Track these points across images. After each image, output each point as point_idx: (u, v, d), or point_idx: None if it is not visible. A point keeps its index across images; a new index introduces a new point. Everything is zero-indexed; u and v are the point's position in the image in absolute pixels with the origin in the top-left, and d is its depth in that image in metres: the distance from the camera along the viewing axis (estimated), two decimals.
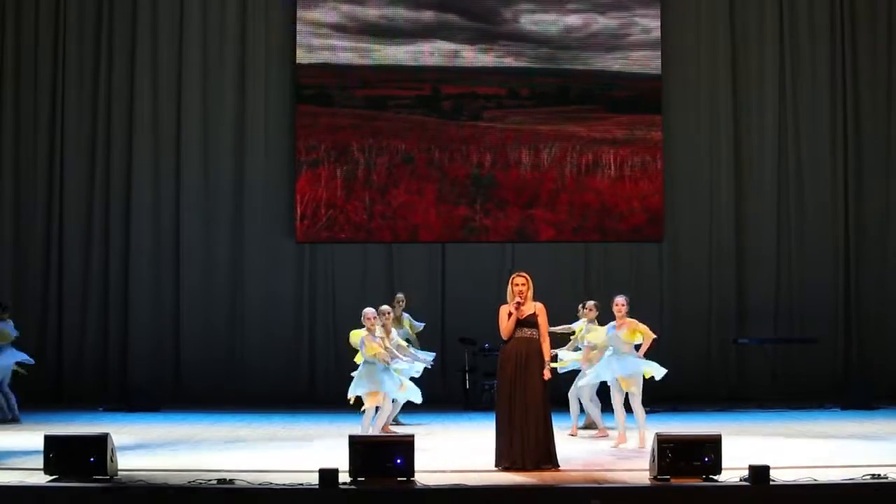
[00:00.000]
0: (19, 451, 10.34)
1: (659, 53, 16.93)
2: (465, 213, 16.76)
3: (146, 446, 11.09)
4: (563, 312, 15.28)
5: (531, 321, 9.56)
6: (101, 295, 16.53)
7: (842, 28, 17.04)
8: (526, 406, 9.39)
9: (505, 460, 9.37)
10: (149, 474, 8.95)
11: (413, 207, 16.78)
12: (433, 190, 16.79)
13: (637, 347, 11.50)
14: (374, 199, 16.75)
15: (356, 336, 11.26)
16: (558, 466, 9.37)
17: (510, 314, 9.55)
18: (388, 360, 11.31)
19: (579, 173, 16.91)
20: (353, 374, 11.30)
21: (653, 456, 8.51)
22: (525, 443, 9.33)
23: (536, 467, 9.26)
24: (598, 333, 12.00)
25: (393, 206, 16.76)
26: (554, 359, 12.07)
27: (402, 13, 16.95)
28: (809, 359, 16.48)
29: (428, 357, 12.83)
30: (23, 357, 13.88)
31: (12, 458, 9.91)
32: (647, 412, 12.19)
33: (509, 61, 16.93)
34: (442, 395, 15.69)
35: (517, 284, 9.59)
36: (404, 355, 12.05)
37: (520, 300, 9.52)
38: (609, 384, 11.55)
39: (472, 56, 16.92)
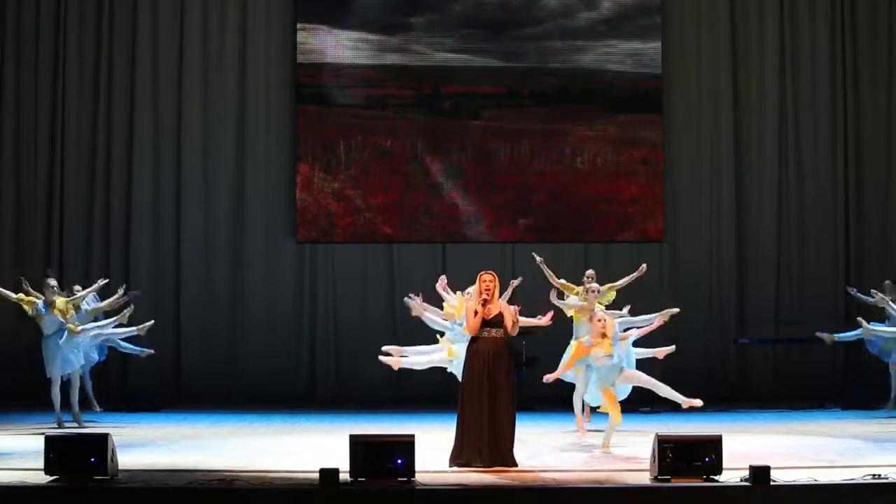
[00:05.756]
0: (19, 451, 10.34)
1: (659, 53, 16.93)
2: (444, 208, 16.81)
3: (146, 446, 11.08)
4: (562, 313, 15.24)
5: (497, 321, 9.60)
6: (101, 295, 16.49)
7: (842, 28, 17.04)
8: (496, 408, 9.43)
9: (466, 458, 9.39)
10: (149, 474, 8.94)
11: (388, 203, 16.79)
12: (409, 182, 16.79)
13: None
14: (369, 197, 16.77)
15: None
16: (516, 466, 9.42)
17: (476, 312, 9.60)
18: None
19: (578, 173, 16.91)
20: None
21: (653, 456, 8.50)
22: (492, 442, 9.37)
23: (499, 466, 9.32)
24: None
25: (378, 202, 16.76)
26: None
27: (403, 12, 16.94)
28: (809, 359, 16.47)
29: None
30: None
31: (12, 458, 9.90)
32: (647, 412, 12.19)
33: (510, 61, 16.92)
34: (441, 394, 15.67)
35: (484, 281, 9.61)
36: None
37: (486, 297, 9.55)
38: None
39: (473, 55, 16.91)
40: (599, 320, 10.88)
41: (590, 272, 13.17)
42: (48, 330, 12.66)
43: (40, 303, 12.67)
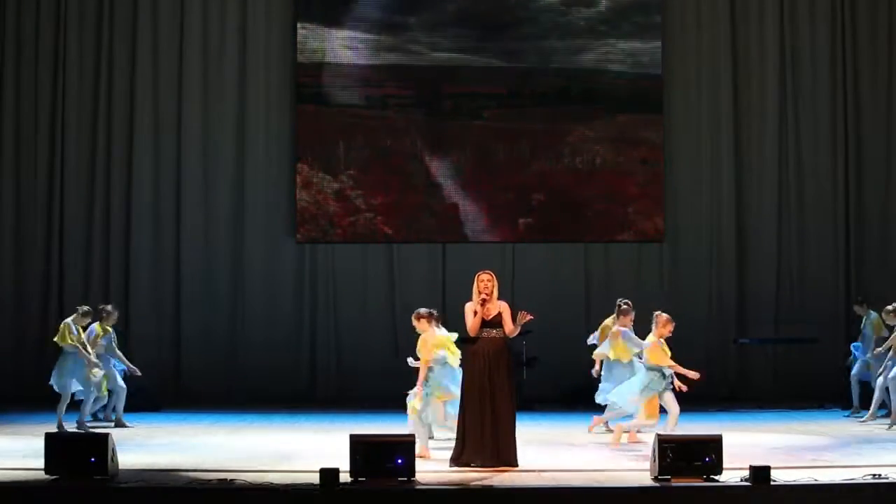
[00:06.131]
0: (19, 452, 10.34)
1: (659, 52, 16.93)
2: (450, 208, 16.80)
3: (146, 446, 11.09)
4: (562, 313, 15.31)
5: (496, 322, 9.59)
6: (101, 295, 16.47)
7: (842, 28, 17.04)
8: (496, 408, 9.40)
9: (466, 458, 9.36)
10: (149, 474, 8.95)
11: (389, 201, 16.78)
12: (409, 182, 16.78)
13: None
14: (369, 197, 16.77)
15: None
16: (517, 466, 9.37)
17: (475, 312, 9.57)
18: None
19: (578, 172, 16.90)
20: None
21: (654, 456, 8.50)
22: (493, 442, 9.35)
23: (501, 466, 9.29)
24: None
25: (378, 202, 16.75)
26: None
27: (403, 12, 16.92)
28: (810, 359, 16.46)
29: None
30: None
31: (12, 458, 9.90)
32: None
33: (510, 61, 16.91)
34: None
35: (483, 281, 9.59)
36: None
37: (485, 297, 9.52)
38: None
39: (473, 55, 16.89)
40: (668, 321, 10.84)
41: (624, 301, 12.50)
42: (69, 348, 12.65)
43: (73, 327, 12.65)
